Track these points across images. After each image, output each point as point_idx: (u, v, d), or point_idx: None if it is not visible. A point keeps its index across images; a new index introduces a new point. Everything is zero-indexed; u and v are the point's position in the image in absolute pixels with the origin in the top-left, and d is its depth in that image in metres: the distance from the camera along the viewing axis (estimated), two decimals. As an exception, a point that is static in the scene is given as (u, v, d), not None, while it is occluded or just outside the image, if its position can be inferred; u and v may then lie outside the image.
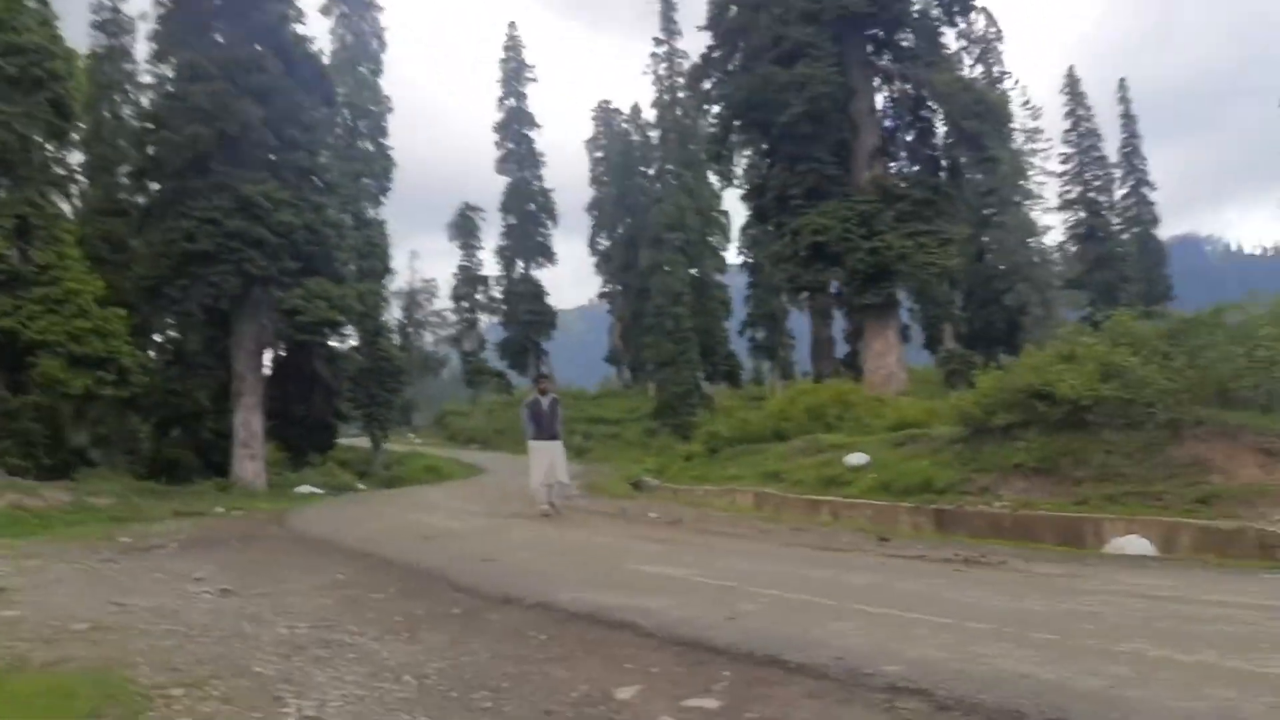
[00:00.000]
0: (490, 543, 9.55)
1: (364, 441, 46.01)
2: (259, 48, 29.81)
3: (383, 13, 47.73)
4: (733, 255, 65.20)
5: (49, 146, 23.60)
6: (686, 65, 50.97)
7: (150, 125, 28.07)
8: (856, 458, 15.06)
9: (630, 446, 51.26)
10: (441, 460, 45.15)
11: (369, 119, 45.79)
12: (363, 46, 46.60)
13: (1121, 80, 68.52)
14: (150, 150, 27.86)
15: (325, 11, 46.49)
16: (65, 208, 27.43)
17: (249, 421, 28.37)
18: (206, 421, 31.24)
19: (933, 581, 6.43)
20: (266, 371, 30.51)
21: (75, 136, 36.44)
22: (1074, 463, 11.82)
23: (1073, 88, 65.10)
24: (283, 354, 31.04)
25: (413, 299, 71.77)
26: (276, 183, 28.36)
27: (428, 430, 66.50)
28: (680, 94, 57.62)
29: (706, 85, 27.57)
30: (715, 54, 26.95)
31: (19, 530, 17.08)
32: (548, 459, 13.82)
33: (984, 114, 24.09)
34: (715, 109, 27.12)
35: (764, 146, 26.21)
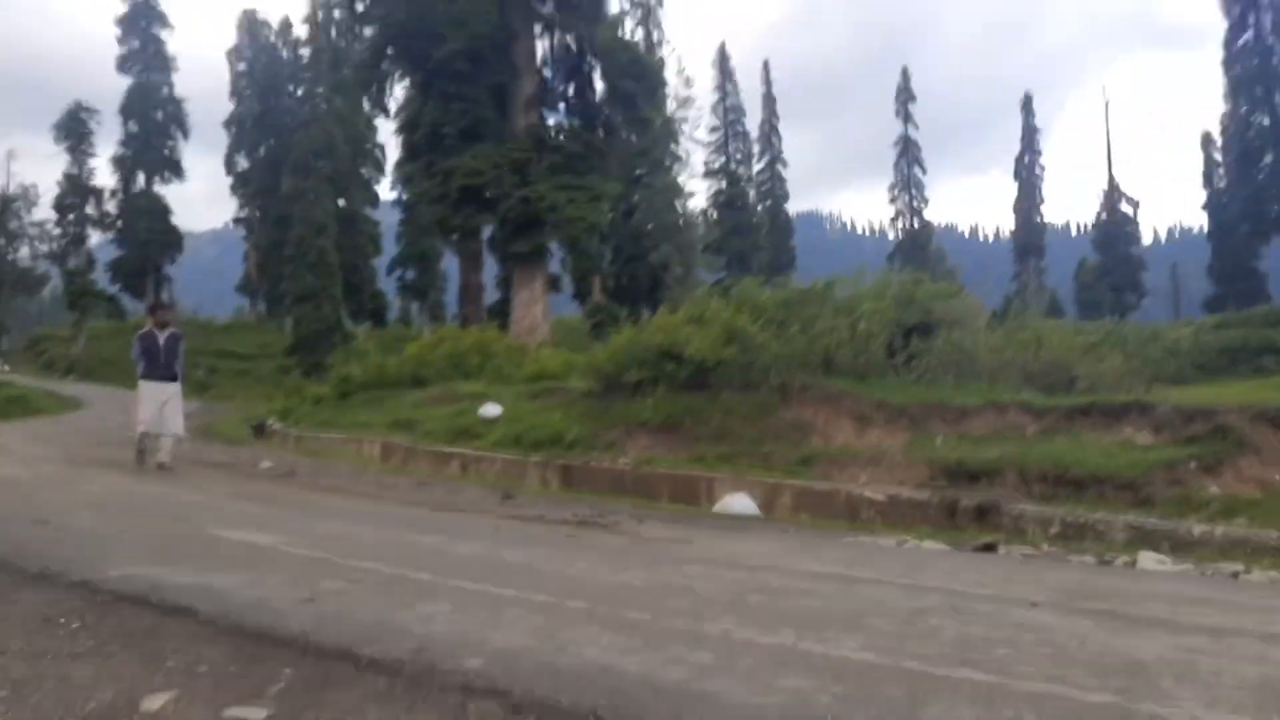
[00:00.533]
0: (53, 499, 8.26)
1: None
2: None
3: None
4: (386, 190, 63.02)
5: None
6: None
7: None
8: (490, 409, 14.84)
9: (261, 384, 48.15)
10: (30, 392, 39.85)
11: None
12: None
13: (765, 61, 73.44)
14: None
15: None
16: None
17: None
18: None
19: (540, 550, 6.25)
20: None
21: None
22: (695, 422, 12.29)
23: (723, 63, 68.94)
24: None
25: (6, 205, 62.86)
26: None
27: (20, 355, 58.68)
28: (336, 12, 54.28)
29: (360, 7, 25.95)
30: (372, -29, 25.46)
31: None
32: (158, 403, 11.84)
33: (639, 75, 24.60)
34: (369, 31, 25.61)
35: (420, 80, 25.16)
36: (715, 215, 66.32)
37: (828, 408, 11.50)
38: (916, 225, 71.50)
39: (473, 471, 13.56)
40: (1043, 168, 73.74)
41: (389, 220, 62.70)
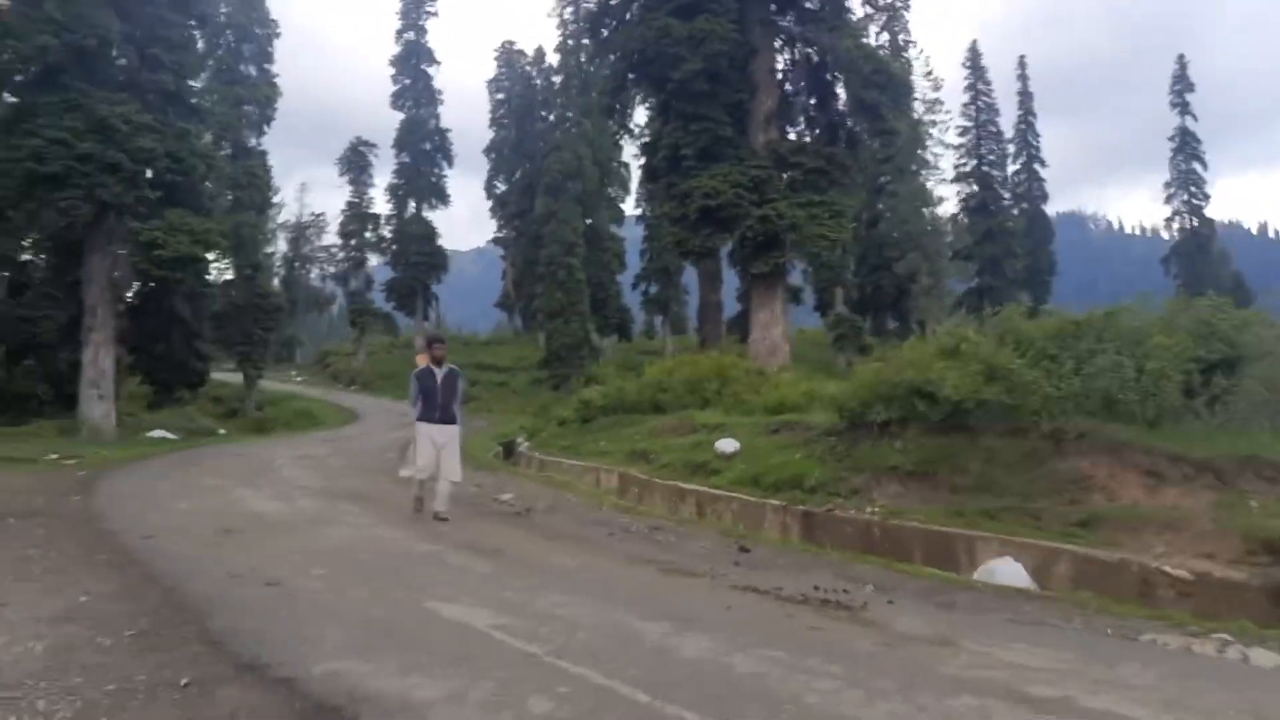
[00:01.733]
0: (295, 547, 8.15)
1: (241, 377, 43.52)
2: (125, -45, 27.03)
3: (272, -75, 44.36)
4: (631, 207, 63.91)
5: None
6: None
7: (-5, 33, 25.06)
8: (727, 444, 14.02)
9: (516, 396, 49.88)
10: (317, 404, 43.01)
11: (253, 43, 42.70)
12: (249, -37, 43.24)
13: (1021, 57, 69.00)
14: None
15: (210, -78, 42.91)
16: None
17: (98, 359, 26.05)
18: (62, 354, 28.80)
19: (776, 654, 5.32)
20: (125, 305, 28.13)
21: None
22: (952, 469, 10.95)
23: (974, 62, 65.22)
24: (142, 288, 28.59)
25: (300, 233, 68.60)
26: (138, 104, 25.79)
27: (310, 368, 63.82)
28: (585, 40, 55.52)
29: (604, 33, 25.92)
30: (613, 1, 25.33)
31: None
32: (435, 447, 10.58)
33: (884, 84, 23.12)
34: (611, 58, 25.53)
35: (659, 102, 24.81)
36: (966, 220, 62.69)
37: (1111, 459, 9.84)
38: (1196, 224, 64.70)
39: (709, 511, 12.78)
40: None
41: (633, 236, 63.54)
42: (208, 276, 34.12)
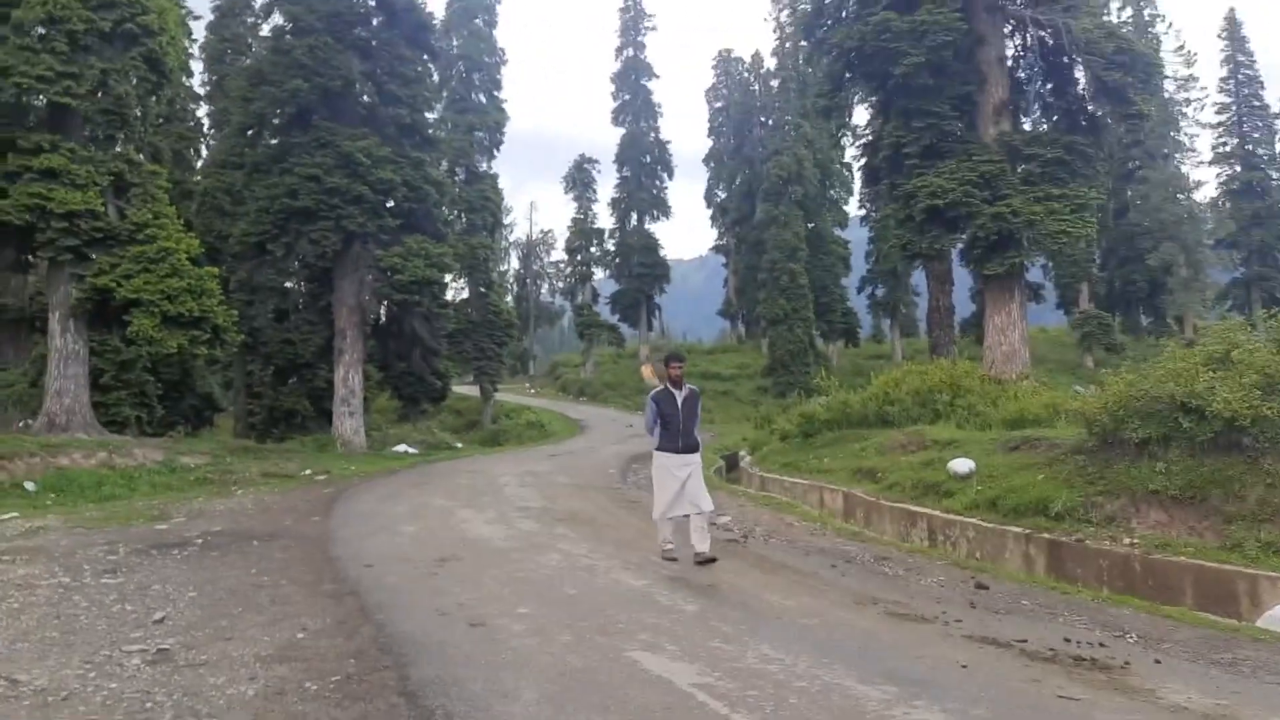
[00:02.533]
0: (506, 578, 8.05)
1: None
2: (363, 1, 28.79)
3: (500, -39, 46.19)
4: (854, 209, 62.23)
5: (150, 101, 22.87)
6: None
7: (254, 80, 27.33)
8: (961, 464, 12.96)
9: (740, 404, 49.52)
10: (547, 414, 44.29)
11: (482, 71, 44.63)
12: (479, -1, 45.23)
13: (1287, 22, 61.68)
14: (254, 106, 27.15)
15: (443, -37, 45.29)
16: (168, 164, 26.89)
17: (348, 378, 27.78)
18: (321, 372, 31.00)
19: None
20: (371, 327, 29.93)
21: (176, 92, 36.35)
22: (1225, 496, 9.56)
23: (1233, 31, 59.11)
24: (386, 310, 30.28)
25: (531, 250, 71.33)
26: (377, 138, 27.39)
27: (542, 380, 66.06)
28: (801, 42, 54.51)
29: (819, 34, 25.06)
30: (828, 0, 24.44)
31: (95, 493, 16.65)
32: (678, 481, 9.21)
33: (1129, 65, 21.02)
34: (827, 59, 24.62)
35: (878, 100, 23.70)
36: (1228, 205, 56.78)
37: None
38: None
39: (941, 538, 11.83)
40: None
41: (858, 238, 61.83)
42: (445, 297, 35.86)
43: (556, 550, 9.49)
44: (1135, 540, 9.74)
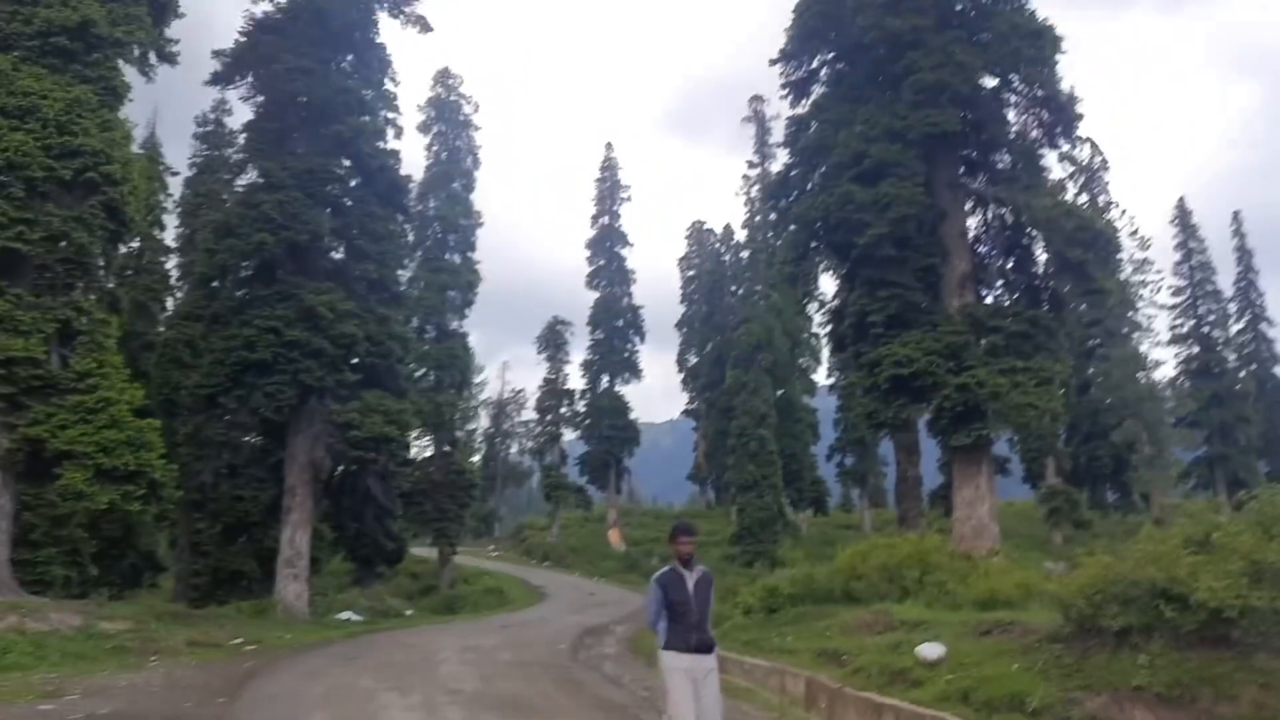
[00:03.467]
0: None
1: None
2: (338, 160, 29.02)
3: (479, 131, 47.54)
4: (823, 377, 62.45)
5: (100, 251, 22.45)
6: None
7: (220, 233, 27.18)
8: (930, 649, 11.99)
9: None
10: (508, 580, 42.63)
11: (458, 233, 45.13)
12: (456, 163, 46.32)
13: (1236, 212, 64.25)
14: (217, 258, 26.89)
15: (423, 129, 46.51)
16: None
17: (295, 539, 26.51)
18: (271, 531, 29.66)
19: None
20: (323, 485, 28.81)
21: (146, 244, 36.30)
22: (1216, 696, 8.67)
23: (1184, 219, 61.36)
24: (340, 468, 29.21)
25: (501, 409, 70.69)
26: (343, 292, 27.07)
27: (507, 541, 64.25)
28: (773, 215, 55.89)
29: (784, 203, 25.35)
30: (793, 172, 24.78)
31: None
32: (693, 685, 7.30)
33: (1090, 242, 21.23)
34: (792, 228, 24.82)
35: (844, 270, 23.74)
36: (1188, 384, 57.47)
37: None
38: None
39: (910, 734, 10.76)
40: None
41: (826, 407, 61.79)
42: (408, 454, 34.95)
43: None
44: (1122, 745, 8.78)
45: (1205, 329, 58.79)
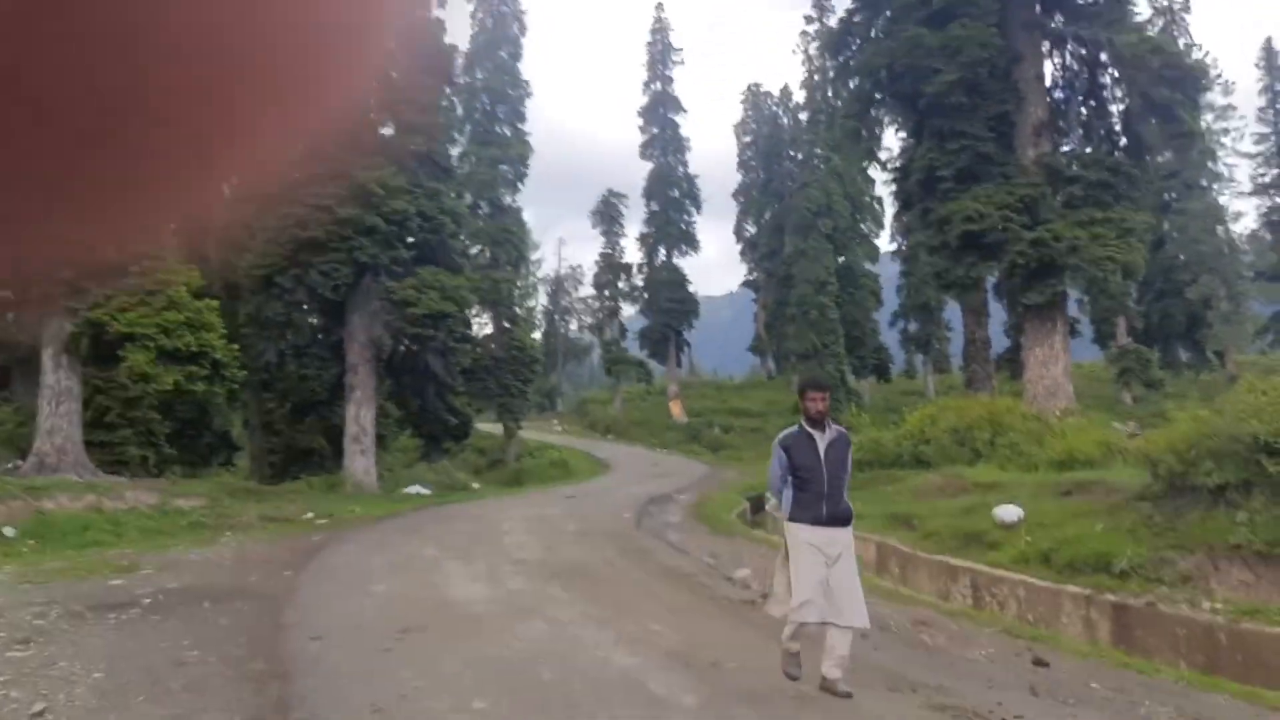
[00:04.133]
0: (472, 658, 6.74)
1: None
2: (378, 28, 27.99)
3: (526, -4, 45.66)
4: (885, 243, 60.81)
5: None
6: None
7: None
8: (1008, 511, 11.49)
9: (770, 441, 47.87)
10: (572, 453, 42.96)
11: (507, 104, 43.82)
12: (503, 30, 44.65)
13: (1327, 49, 59.76)
14: (265, 136, 26.32)
15: (468, -3, 44.75)
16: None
17: (359, 416, 26.67)
18: (338, 409, 29.99)
19: None
20: (384, 363, 28.84)
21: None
22: (1325, 553, 8.08)
23: (1270, 61, 57.35)
24: (398, 346, 29.17)
25: (559, 285, 70.37)
26: (393, 168, 26.45)
27: (570, 417, 64.81)
28: (830, 73, 53.42)
29: (848, 54, 23.86)
30: (856, 18, 23.21)
31: (78, 539, 15.55)
32: (823, 565, 6.07)
33: (1178, 81, 19.63)
34: (855, 80, 23.40)
35: (911, 121, 22.39)
36: (1269, 237, 54.75)
37: None
38: None
39: (987, 597, 10.36)
40: None
41: (889, 273, 60.31)
42: (468, 331, 34.87)
43: (541, 617, 8.14)
44: (1218, 605, 8.26)
45: (1291, 177, 55.57)
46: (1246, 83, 58.46)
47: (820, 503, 6.20)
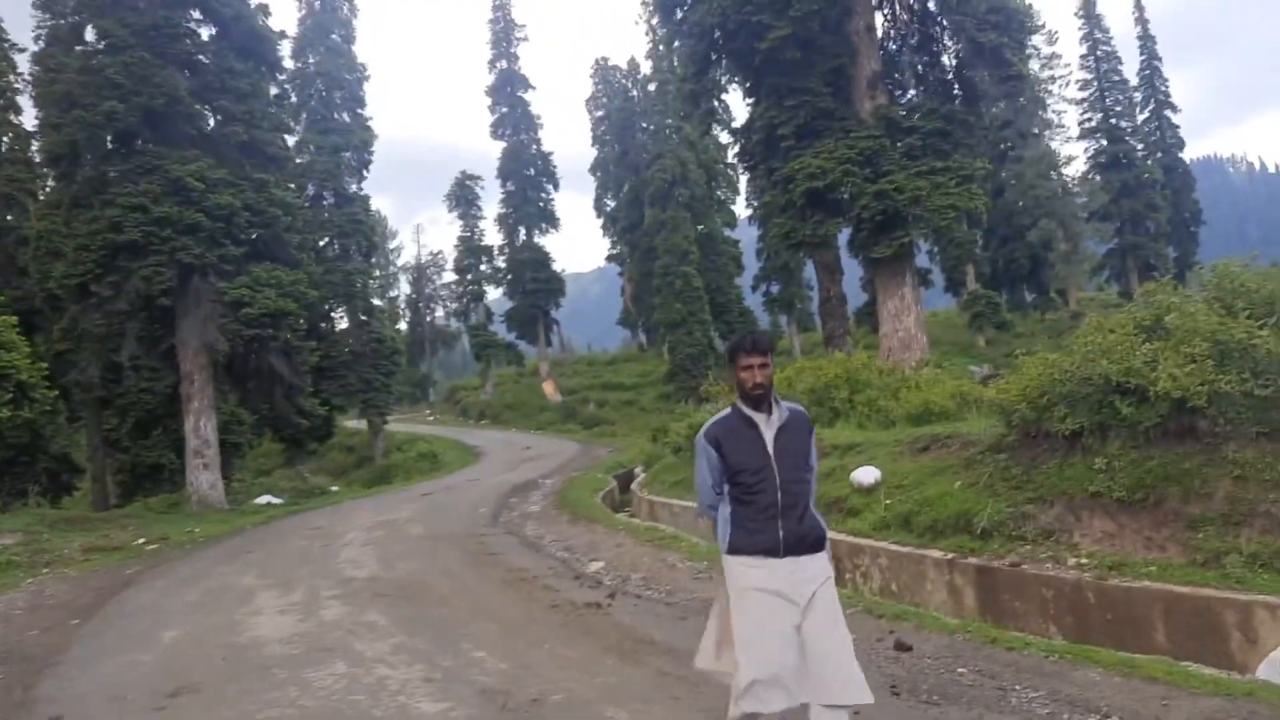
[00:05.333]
0: (249, 710, 5.50)
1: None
2: (185, 12, 25.66)
3: (355, -26, 43.25)
4: (742, 209, 60.76)
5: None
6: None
7: (64, 106, 23.97)
8: (865, 474, 10.82)
9: (645, 413, 47.24)
10: (443, 443, 41.36)
11: (344, 89, 41.54)
12: (332, 12, 42.24)
13: (1137, 0, 62.47)
14: (64, 132, 23.81)
15: (292, -23, 42.06)
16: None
17: (200, 427, 24.55)
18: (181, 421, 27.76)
19: None
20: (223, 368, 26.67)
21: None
22: (1185, 495, 7.52)
23: (1089, 10, 59.51)
24: (236, 349, 27.01)
25: (421, 273, 68.08)
26: (212, 160, 24.31)
27: (442, 405, 62.88)
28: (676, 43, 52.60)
29: (679, 14, 22.93)
30: (686, -23, 22.34)
31: None
32: (789, 618, 4.02)
33: (1003, 24, 19.44)
34: (689, 41, 22.50)
35: (748, 80, 21.64)
36: (1098, 178, 56.95)
37: None
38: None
39: (849, 568, 9.64)
40: None
41: (748, 238, 60.36)
42: (312, 327, 32.85)
43: (345, 656, 6.92)
44: (1083, 560, 7.66)
45: (1113, 121, 57.88)
46: (1069, 31, 60.16)
47: (774, 523, 4.06)
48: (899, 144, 20.14)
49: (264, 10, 28.70)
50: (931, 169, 19.43)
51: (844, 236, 23.28)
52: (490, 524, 14.75)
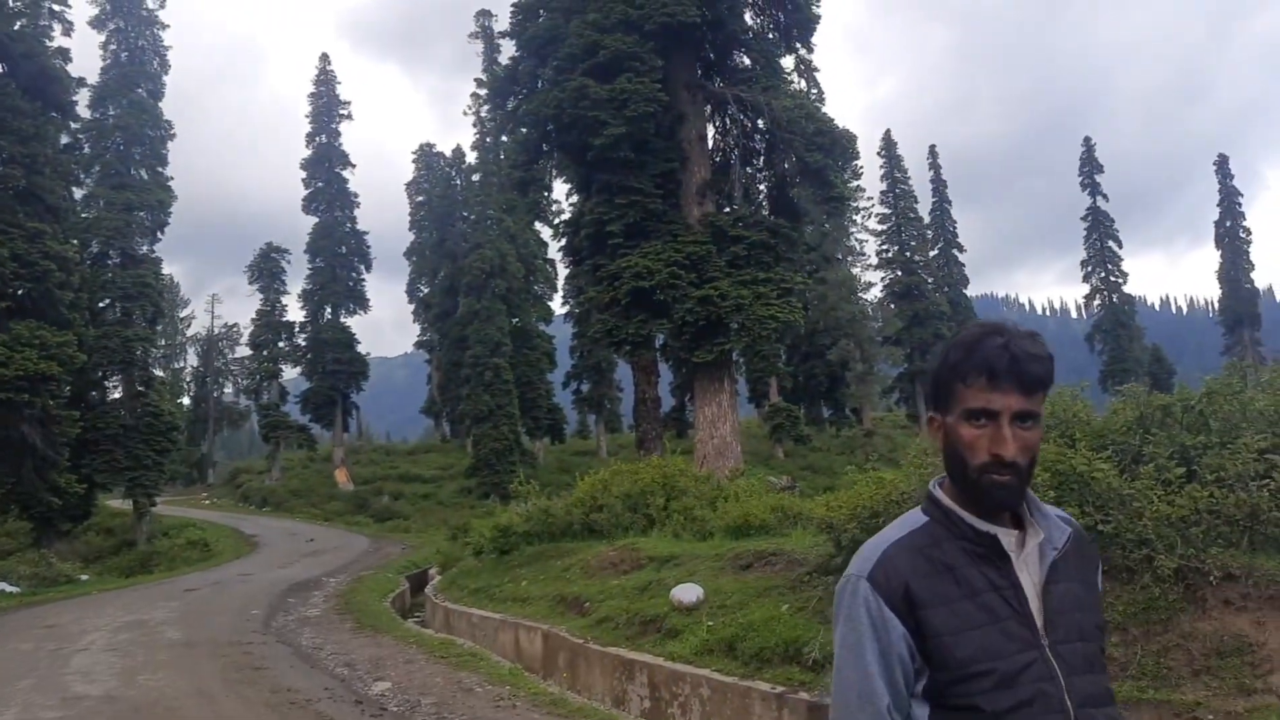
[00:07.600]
0: None
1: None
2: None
3: (166, 30, 40.81)
4: (558, 305, 60.53)
5: None
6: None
7: None
8: (686, 592, 10.03)
9: (443, 509, 45.12)
10: (218, 530, 37.83)
11: (144, 145, 38.61)
12: (140, 66, 39.51)
13: (932, 146, 67.95)
14: None
15: (97, 25, 39.18)
16: None
17: (-77, 502, 21.17)
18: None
19: None
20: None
21: None
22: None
23: (890, 150, 64.17)
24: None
25: (213, 345, 63.75)
26: (-21, 203, 21.68)
27: (222, 489, 58.15)
28: (504, 137, 52.49)
29: (515, 101, 22.49)
30: (521, 66, 21.94)
31: None
32: None
33: (828, 146, 20.04)
34: (523, 129, 22.04)
35: (579, 174, 21.32)
36: (893, 305, 60.54)
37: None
38: (1114, 300, 63.73)
39: (667, 699, 8.74)
40: (1248, 230, 65.31)
41: (563, 335, 60.10)
42: (92, 394, 29.59)
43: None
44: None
45: (908, 254, 61.92)
46: (872, 167, 64.61)
47: None
48: (725, 252, 20.20)
49: (63, 54, 26.61)
50: (754, 279, 19.53)
51: (659, 340, 23.06)
52: (261, 630, 12.95)
